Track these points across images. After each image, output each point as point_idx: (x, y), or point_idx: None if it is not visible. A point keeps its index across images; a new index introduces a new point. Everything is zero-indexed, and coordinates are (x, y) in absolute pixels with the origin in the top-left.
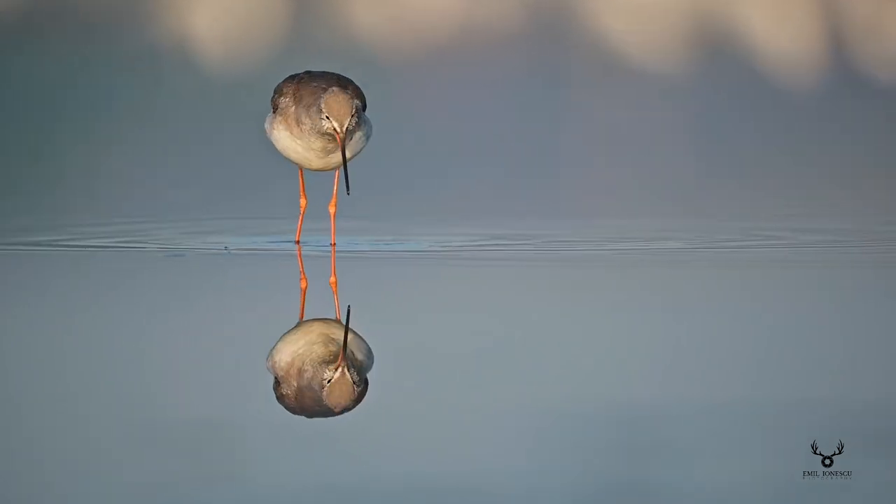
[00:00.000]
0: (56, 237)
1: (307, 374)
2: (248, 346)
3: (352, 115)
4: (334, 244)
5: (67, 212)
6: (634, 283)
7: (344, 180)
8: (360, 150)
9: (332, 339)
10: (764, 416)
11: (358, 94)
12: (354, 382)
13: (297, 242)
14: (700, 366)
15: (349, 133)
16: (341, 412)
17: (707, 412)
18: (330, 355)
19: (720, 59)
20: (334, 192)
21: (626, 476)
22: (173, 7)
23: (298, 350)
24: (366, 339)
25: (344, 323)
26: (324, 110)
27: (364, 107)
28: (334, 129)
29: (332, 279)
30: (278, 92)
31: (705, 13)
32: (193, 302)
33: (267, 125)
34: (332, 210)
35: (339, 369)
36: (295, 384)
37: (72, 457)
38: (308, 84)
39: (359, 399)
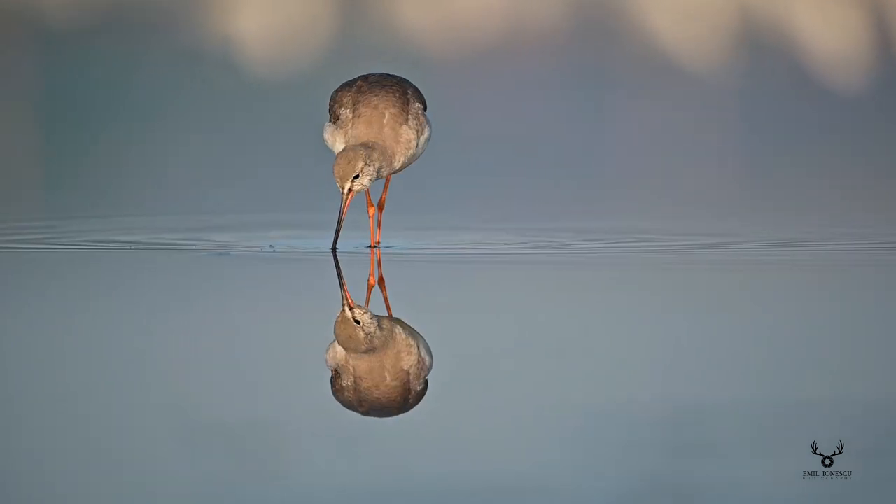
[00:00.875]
0: (98, 236)
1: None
2: (291, 346)
3: (354, 176)
4: (376, 244)
5: (110, 211)
6: (666, 284)
7: (334, 234)
8: (418, 153)
9: (397, 323)
10: (767, 415)
11: (417, 95)
12: (357, 321)
13: (373, 246)
14: (732, 366)
15: (350, 191)
16: (402, 398)
17: (718, 411)
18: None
19: (767, 58)
20: (384, 190)
21: (640, 475)
22: (220, 8)
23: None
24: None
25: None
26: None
27: (425, 107)
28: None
29: (371, 281)
30: (337, 101)
31: (752, 12)
32: (238, 301)
33: (327, 136)
34: (378, 207)
35: (343, 309)
36: (353, 375)
37: (111, 456)
38: (368, 98)
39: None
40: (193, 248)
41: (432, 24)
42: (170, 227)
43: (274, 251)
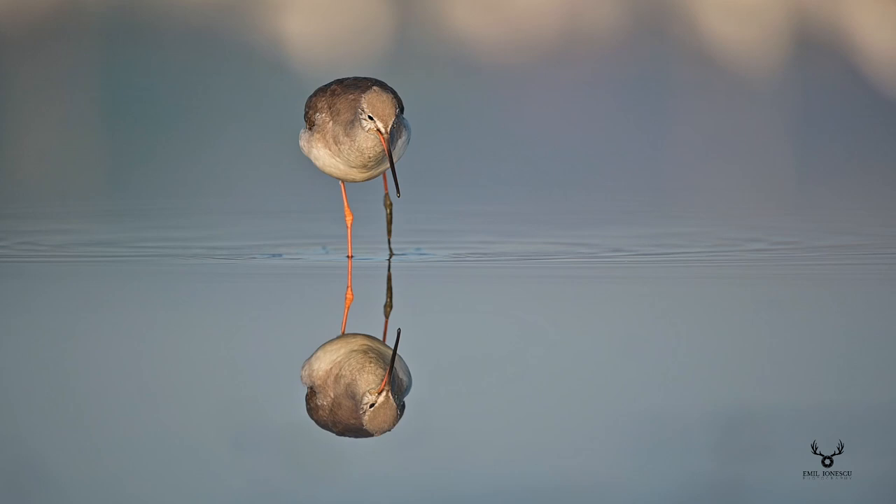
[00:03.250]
0: (149, 242)
1: (346, 386)
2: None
3: (396, 115)
4: (392, 253)
5: (161, 214)
6: (704, 289)
7: (393, 182)
8: (402, 155)
9: (375, 349)
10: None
11: (395, 97)
12: (398, 407)
13: (350, 257)
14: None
15: (392, 135)
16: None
17: (773, 415)
18: (372, 375)
19: (823, 60)
20: (385, 190)
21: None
22: (271, 9)
23: (338, 359)
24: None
25: (393, 346)
26: (366, 109)
27: (402, 110)
28: (377, 130)
29: (387, 300)
30: (311, 107)
31: (807, 14)
32: (286, 307)
33: (303, 143)
34: (387, 209)
35: (384, 393)
36: (332, 394)
37: (167, 459)
38: (343, 96)
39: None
40: (248, 252)
41: (486, 27)
42: (216, 226)
43: (326, 253)
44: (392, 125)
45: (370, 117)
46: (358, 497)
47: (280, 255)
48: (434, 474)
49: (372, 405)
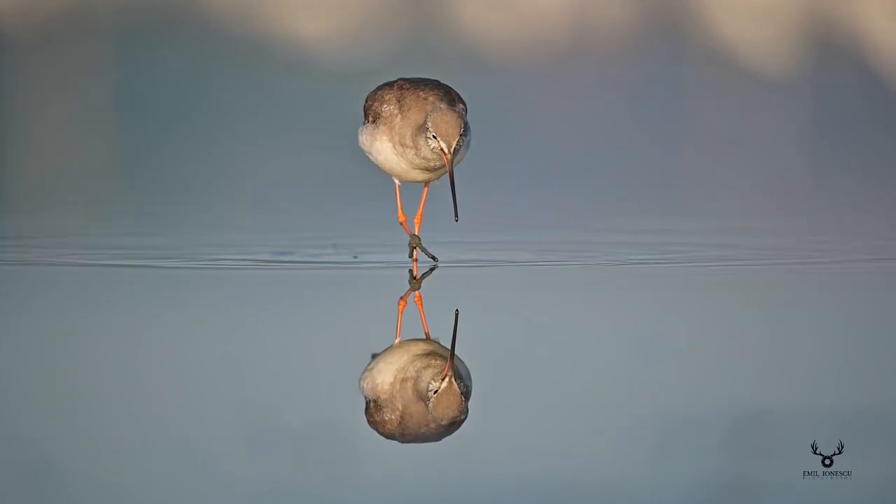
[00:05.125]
0: (168, 246)
1: (412, 392)
2: (357, 352)
3: (460, 135)
4: (416, 259)
5: (176, 214)
6: (721, 291)
7: (452, 204)
8: (461, 158)
9: (437, 354)
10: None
11: (459, 96)
12: (462, 394)
13: (417, 248)
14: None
15: (455, 151)
16: (448, 427)
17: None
18: (434, 367)
19: (837, 61)
20: (421, 204)
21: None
22: (283, 9)
23: (401, 367)
24: (468, 350)
25: (452, 331)
26: (430, 128)
27: (465, 110)
28: (441, 150)
29: (417, 294)
30: (377, 99)
31: (822, 14)
32: (307, 310)
33: (364, 137)
34: (415, 222)
35: (447, 379)
36: (399, 405)
37: (180, 460)
38: (412, 92)
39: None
40: (261, 251)
41: (498, 26)
42: (228, 226)
43: (336, 249)
44: (456, 144)
45: (434, 136)
46: (372, 498)
47: (293, 253)
48: (448, 475)
49: (436, 391)
